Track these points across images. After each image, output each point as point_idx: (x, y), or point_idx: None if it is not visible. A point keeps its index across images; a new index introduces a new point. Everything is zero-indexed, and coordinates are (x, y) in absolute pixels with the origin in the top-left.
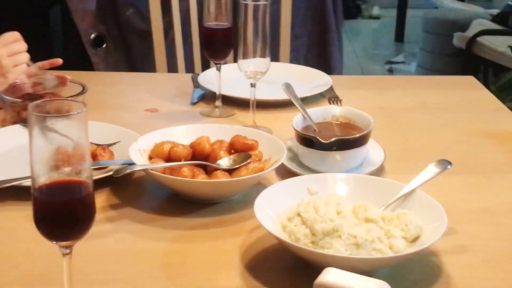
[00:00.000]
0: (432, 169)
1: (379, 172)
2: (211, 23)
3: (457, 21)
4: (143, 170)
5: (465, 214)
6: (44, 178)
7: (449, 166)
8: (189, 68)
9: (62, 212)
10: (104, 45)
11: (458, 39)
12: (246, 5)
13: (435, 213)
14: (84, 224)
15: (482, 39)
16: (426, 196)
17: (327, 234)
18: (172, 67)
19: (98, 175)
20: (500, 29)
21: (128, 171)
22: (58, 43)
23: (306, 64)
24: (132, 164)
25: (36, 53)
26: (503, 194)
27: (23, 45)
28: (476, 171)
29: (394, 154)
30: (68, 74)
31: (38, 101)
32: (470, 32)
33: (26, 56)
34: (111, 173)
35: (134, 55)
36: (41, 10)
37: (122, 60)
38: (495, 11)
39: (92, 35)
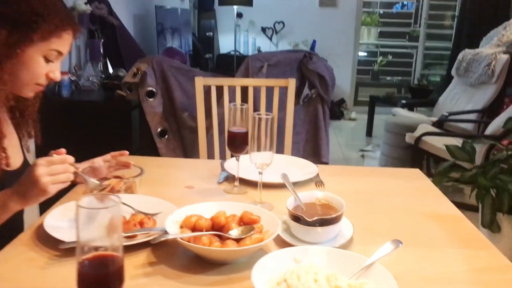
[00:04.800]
0: (388, 246)
1: (349, 242)
2: (233, 128)
3: (408, 124)
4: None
5: (412, 281)
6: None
7: (400, 245)
8: (223, 155)
9: None
10: (166, 136)
11: (409, 137)
12: (254, 117)
13: (389, 282)
14: None
15: (425, 138)
16: (383, 268)
17: None
18: (211, 154)
19: (143, 239)
20: (437, 131)
21: (162, 239)
22: (136, 134)
23: (303, 152)
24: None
25: (121, 140)
26: (440, 264)
27: (66, 167)
28: (421, 245)
29: (361, 228)
30: (133, 160)
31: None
32: (417, 133)
33: (66, 176)
34: (151, 238)
35: (186, 144)
36: (126, 113)
37: (178, 147)
38: (434, 119)
39: (158, 129)
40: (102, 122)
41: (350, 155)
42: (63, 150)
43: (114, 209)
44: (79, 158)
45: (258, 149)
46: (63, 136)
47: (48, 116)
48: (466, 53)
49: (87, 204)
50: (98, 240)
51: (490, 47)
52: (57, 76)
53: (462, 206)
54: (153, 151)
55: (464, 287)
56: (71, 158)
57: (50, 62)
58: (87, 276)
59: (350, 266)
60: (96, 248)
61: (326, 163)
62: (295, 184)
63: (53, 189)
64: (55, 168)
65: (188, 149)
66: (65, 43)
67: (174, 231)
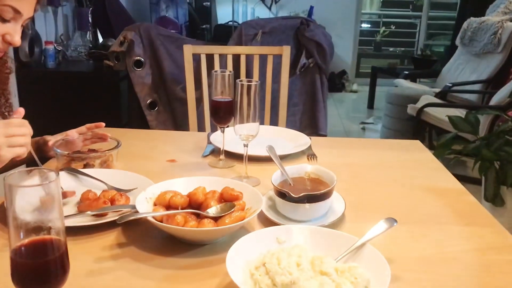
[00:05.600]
0: (381, 225)
1: (340, 220)
2: (217, 97)
3: (410, 96)
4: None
5: (408, 262)
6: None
7: (395, 224)
8: (214, 127)
9: None
10: (156, 108)
11: (411, 109)
12: (241, 84)
13: (381, 266)
14: None
15: (428, 109)
16: (375, 250)
17: (285, 286)
18: (201, 126)
19: (112, 217)
20: (440, 102)
21: (131, 218)
22: (125, 106)
23: (300, 125)
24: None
25: (110, 113)
26: (440, 244)
27: (24, 131)
28: (418, 222)
29: (353, 205)
30: (112, 132)
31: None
32: (419, 104)
33: (24, 140)
34: (117, 217)
35: (176, 116)
36: (114, 84)
37: (169, 119)
38: (437, 90)
39: (148, 101)
40: (89, 94)
41: (351, 127)
42: (21, 109)
43: (52, 186)
44: (64, 131)
45: (243, 120)
46: (48, 108)
47: (33, 87)
48: (471, 22)
49: (19, 181)
50: (35, 222)
51: (496, 15)
52: (16, 40)
53: (464, 179)
54: (143, 124)
55: (465, 269)
56: (30, 128)
57: (6, 22)
58: (23, 266)
59: (339, 247)
60: (36, 232)
61: (324, 136)
62: (285, 157)
63: (7, 153)
64: (12, 130)
65: (179, 122)
66: (23, 0)
67: (146, 209)
